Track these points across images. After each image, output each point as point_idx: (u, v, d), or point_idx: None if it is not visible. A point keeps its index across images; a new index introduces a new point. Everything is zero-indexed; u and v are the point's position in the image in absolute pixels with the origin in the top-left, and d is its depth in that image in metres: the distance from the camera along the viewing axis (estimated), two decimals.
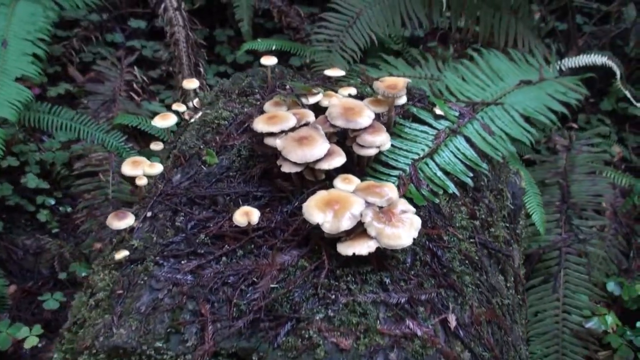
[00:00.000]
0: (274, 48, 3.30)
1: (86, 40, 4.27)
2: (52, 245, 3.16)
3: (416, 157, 2.19)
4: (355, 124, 2.03)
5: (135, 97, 3.57)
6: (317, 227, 1.87)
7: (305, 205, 1.79)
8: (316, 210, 1.76)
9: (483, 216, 2.20)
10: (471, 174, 2.21)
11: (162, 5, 3.75)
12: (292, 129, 2.04)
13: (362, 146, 2.03)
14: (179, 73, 3.66)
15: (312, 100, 2.24)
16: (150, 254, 1.84)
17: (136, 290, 1.74)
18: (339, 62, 2.97)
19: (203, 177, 2.14)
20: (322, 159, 1.95)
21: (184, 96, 3.64)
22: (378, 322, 1.64)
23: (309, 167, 1.97)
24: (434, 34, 3.77)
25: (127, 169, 2.24)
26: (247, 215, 1.84)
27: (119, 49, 4.31)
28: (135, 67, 3.84)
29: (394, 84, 2.15)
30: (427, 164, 2.17)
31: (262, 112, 2.23)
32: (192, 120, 2.46)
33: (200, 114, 2.46)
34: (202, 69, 3.76)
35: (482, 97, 2.58)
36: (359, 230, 1.77)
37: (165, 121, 2.43)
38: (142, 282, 1.76)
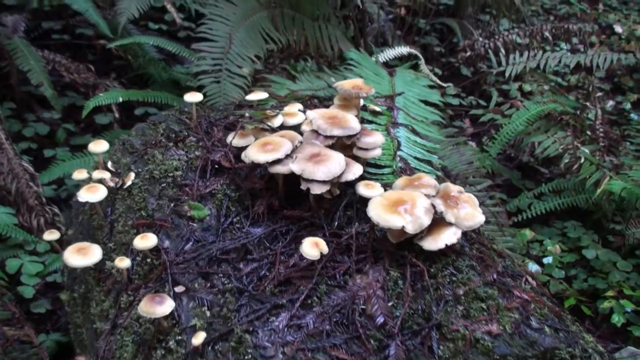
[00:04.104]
0: (120, 100, 2.93)
1: None
2: None
3: (391, 152, 2.19)
4: (352, 130, 1.95)
5: None
6: (378, 237, 1.78)
7: (375, 215, 1.67)
8: (391, 215, 1.66)
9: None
10: (435, 155, 2.29)
11: None
12: (292, 151, 1.88)
13: (365, 149, 1.96)
14: None
15: (277, 122, 2.09)
16: (228, 327, 1.54)
17: None
18: (231, 91, 2.77)
19: (203, 234, 1.85)
20: (345, 172, 1.85)
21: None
22: (501, 299, 1.62)
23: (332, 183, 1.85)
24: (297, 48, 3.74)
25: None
26: (317, 245, 1.65)
27: None
28: None
29: (355, 84, 2.12)
30: (403, 157, 2.19)
31: (233, 148, 2.02)
32: (125, 185, 2.09)
33: (132, 175, 2.10)
34: (15, 148, 3.16)
35: (384, 92, 2.67)
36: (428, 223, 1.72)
37: (95, 194, 2.02)
38: (248, 357, 1.47)
